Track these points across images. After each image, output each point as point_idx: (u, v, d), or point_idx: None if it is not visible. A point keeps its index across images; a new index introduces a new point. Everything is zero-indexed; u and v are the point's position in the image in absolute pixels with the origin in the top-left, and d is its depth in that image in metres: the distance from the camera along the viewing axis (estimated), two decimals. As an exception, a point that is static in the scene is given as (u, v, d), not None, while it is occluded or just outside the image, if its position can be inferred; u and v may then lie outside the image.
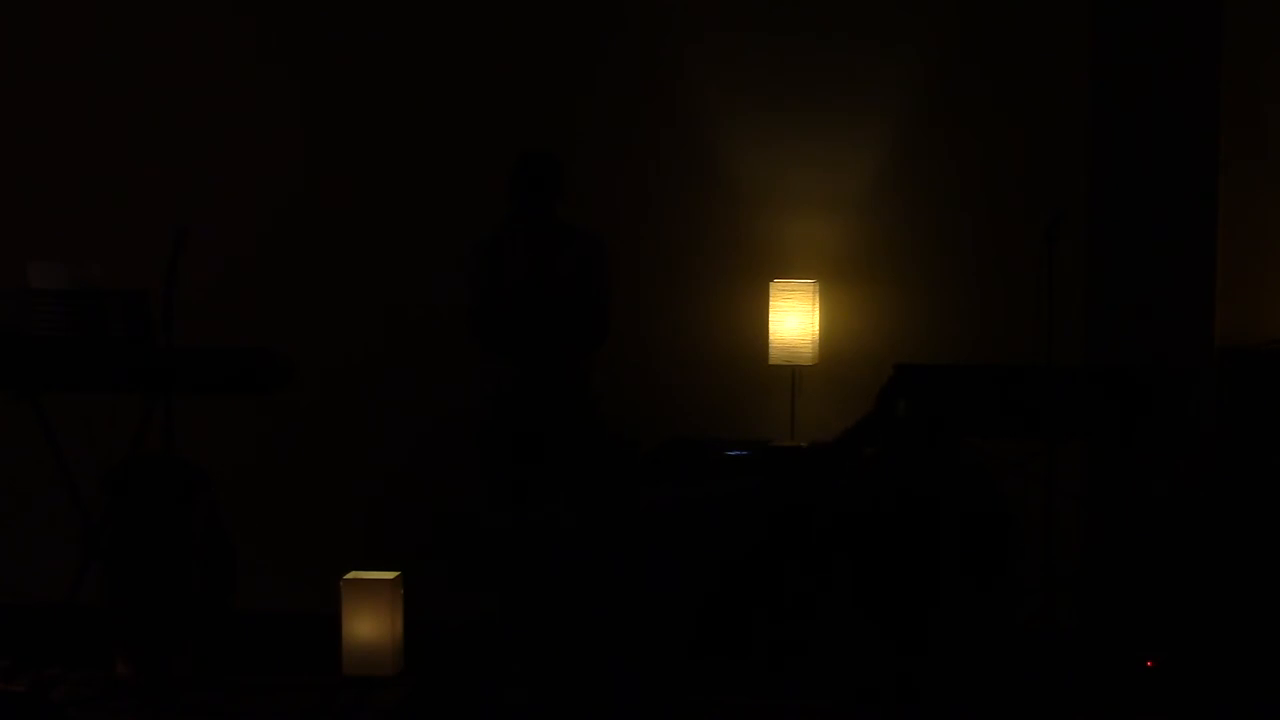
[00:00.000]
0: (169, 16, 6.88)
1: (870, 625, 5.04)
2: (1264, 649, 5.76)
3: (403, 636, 5.93)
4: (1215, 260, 6.05)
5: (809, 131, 6.59)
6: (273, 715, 5.49)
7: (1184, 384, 5.19)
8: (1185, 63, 6.03)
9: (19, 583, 6.25)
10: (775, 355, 6.45)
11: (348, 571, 5.99)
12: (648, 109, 6.70)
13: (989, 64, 6.50)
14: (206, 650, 5.82)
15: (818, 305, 6.48)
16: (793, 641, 5.41)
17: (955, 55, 6.53)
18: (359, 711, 5.55)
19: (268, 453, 6.79)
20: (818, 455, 6.08)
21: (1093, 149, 6.18)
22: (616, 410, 6.16)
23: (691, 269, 6.69)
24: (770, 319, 6.45)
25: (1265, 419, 5.96)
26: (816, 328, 6.47)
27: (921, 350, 6.32)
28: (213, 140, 6.84)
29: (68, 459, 5.49)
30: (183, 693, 5.58)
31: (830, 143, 6.58)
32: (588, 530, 4.63)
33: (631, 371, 6.53)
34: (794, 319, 6.42)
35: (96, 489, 5.64)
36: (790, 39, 6.61)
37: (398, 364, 6.78)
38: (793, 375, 6.51)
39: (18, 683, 5.62)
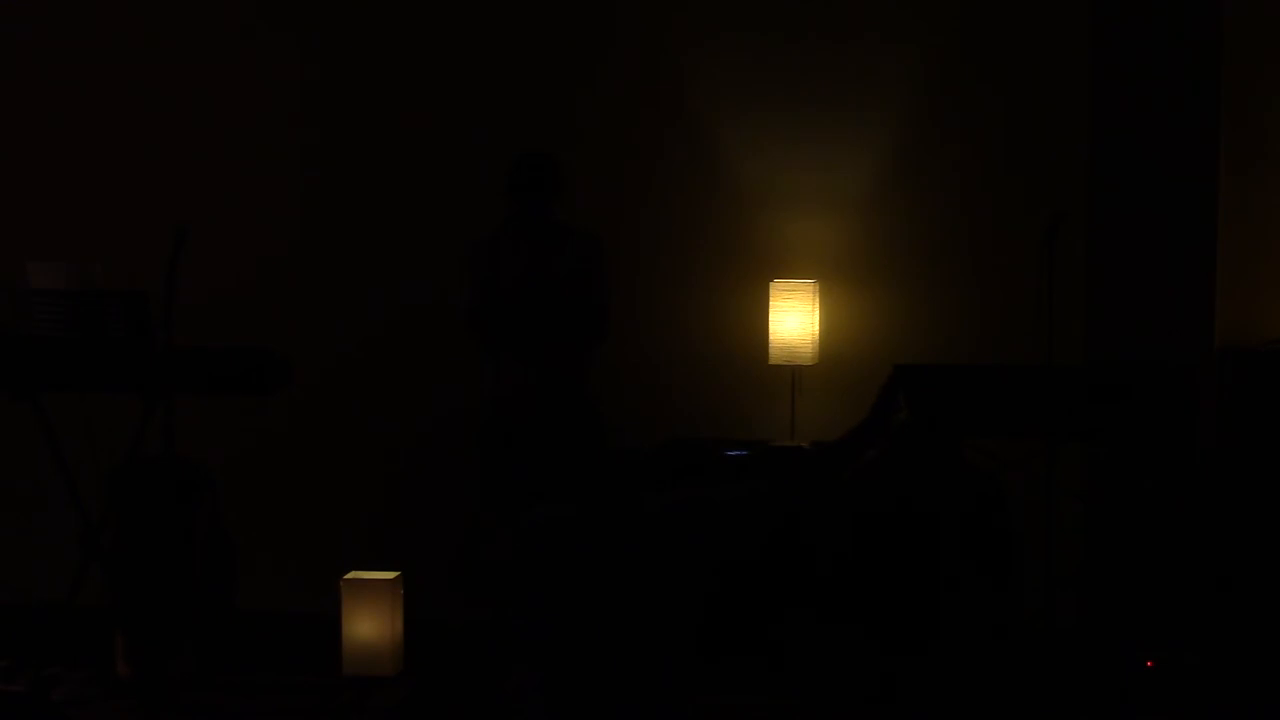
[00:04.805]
0: (169, 16, 6.88)
1: (870, 628, 5.04)
2: (1264, 649, 5.76)
3: (403, 636, 5.93)
4: (1215, 260, 6.05)
5: (809, 132, 6.59)
6: (273, 715, 5.49)
7: (1183, 384, 5.17)
8: (1185, 63, 6.03)
9: (19, 583, 6.25)
10: (775, 355, 6.45)
11: (348, 571, 5.99)
12: (648, 109, 6.70)
13: (989, 64, 6.50)
14: (207, 649, 5.82)
15: (818, 305, 6.48)
16: (793, 643, 5.40)
17: (955, 55, 6.53)
18: (359, 711, 5.55)
19: (268, 453, 6.79)
20: (819, 457, 6.07)
21: (1093, 149, 6.17)
22: (616, 410, 6.16)
23: (691, 269, 6.69)
24: (770, 319, 6.44)
25: (1265, 419, 5.96)
26: (816, 328, 6.47)
27: (921, 350, 6.32)
28: (213, 140, 6.85)
29: (68, 459, 5.49)
30: (183, 693, 5.59)
31: (830, 143, 6.58)
32: (587, 530, 4.63)
33: (631, 371, 6.53)
34: (794, 319, 6.41)
35: (96, 489, 5.64)
36: (791, 39, 6.61)
37: (398, 364, 6.78)
38: (793, 375, 6.51)
39: (18, 683, 5.61)
